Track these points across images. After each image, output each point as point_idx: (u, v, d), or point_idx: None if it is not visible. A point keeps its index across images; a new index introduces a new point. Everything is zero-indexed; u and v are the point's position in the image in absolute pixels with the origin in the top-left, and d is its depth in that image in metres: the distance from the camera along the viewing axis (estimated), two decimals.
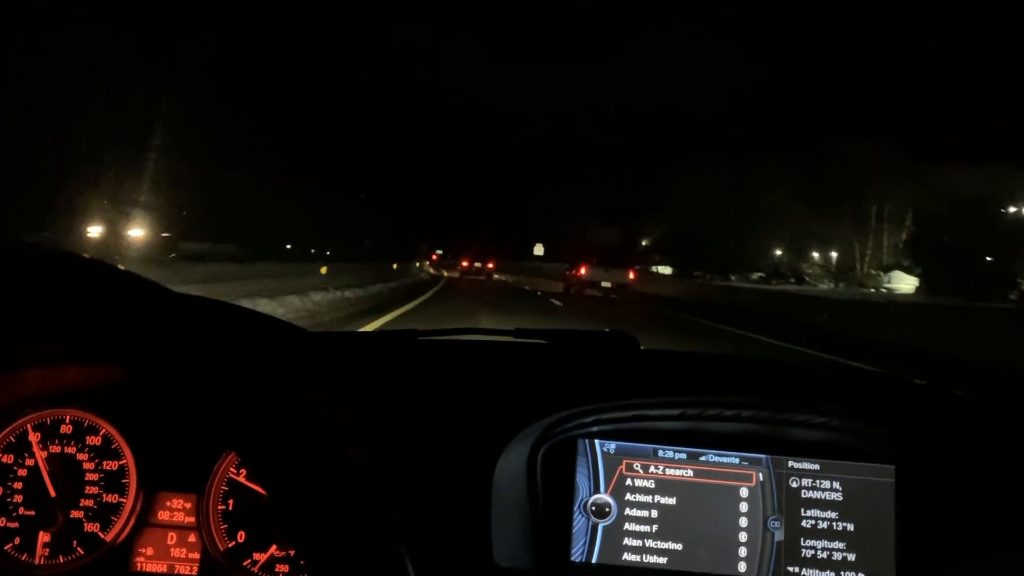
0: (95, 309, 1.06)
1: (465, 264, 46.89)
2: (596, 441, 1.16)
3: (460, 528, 0.98)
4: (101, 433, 1.14)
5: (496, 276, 44.36)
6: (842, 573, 1.12)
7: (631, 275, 27.82)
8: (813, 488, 1.14)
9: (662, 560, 1.12)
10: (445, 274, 44.80)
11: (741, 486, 1.15)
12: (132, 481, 1.13)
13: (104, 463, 1.14)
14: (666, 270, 58.90)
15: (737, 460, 1.16)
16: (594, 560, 1.13)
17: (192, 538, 1.12)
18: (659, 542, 1.13)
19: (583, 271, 27.52)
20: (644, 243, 69.43)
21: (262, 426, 0.61)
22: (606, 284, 26.66)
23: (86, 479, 1.13)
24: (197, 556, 1.12)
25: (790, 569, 1.12)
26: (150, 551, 1.12)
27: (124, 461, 1.14)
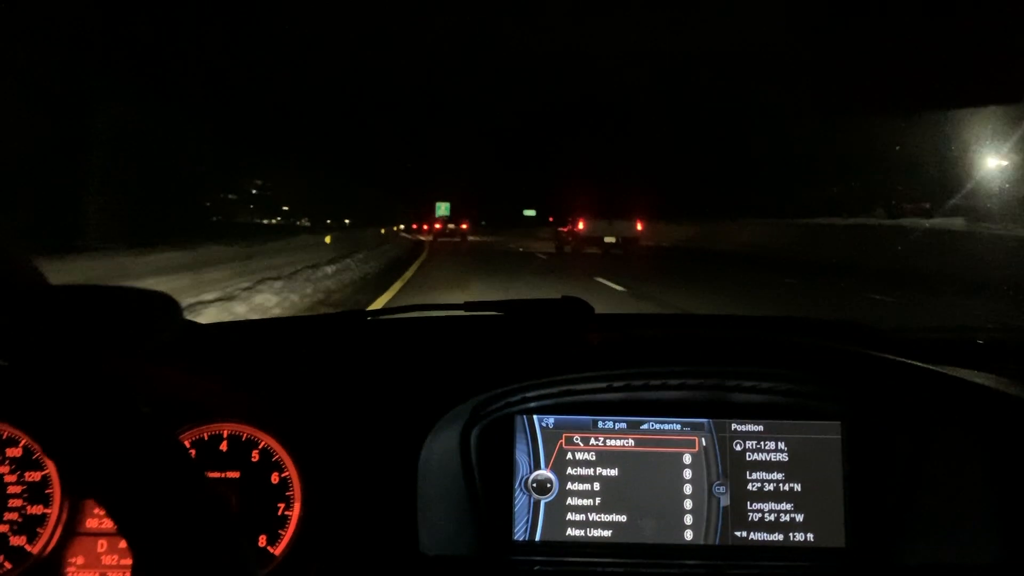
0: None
1: (438, 226, 46.60)
2: (534, 416, 1.13)
3: (380, 520, 0.95)
4: (21, 444, 1.10)
5: (471, 238, 44.53)
6: (790, 534, 1.09)
7: (639, 226, 23.13)
8: (758, 450, 1.11)
9: (607, 533, 1.10)
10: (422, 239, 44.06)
11: (684, 452, 1.11)
12: (56, 491, 1.10)
13: (26, 474, 1.10)
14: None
15: (679, 426, 1.12)
16: (537, 538, 1.10)
17: (123, 544, 1.09)
18: (603, 515, 1.10)
19: (581, 225, 23.00)
20: None
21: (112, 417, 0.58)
22: (609, 239, 22.43)
23: (8, 492, 1.10)
24: (129, 562, 1.08)
25: (737, 534, 1.09)
26: (80, 560, 1.09)
27: (47, 471, 1.10)
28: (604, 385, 1.08)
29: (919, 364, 1.14)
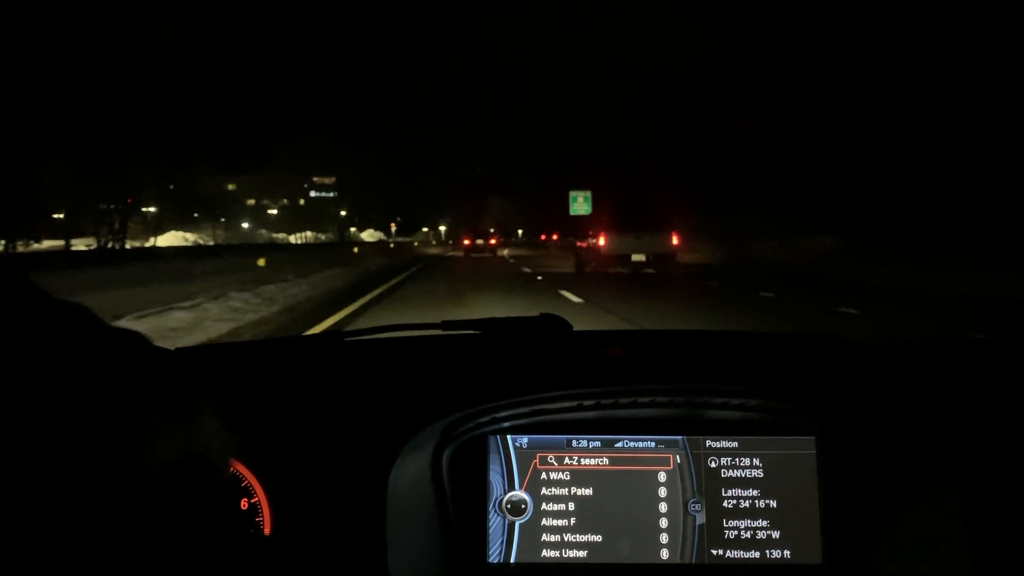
0: None
1: (467, 242, 45.90)
2: (508, 437, 1.12)
3: (348, 545, 0.93)
4: None
5: (500, 252, 44.42)
6: (767, 552, 1.08)
7: (675, 240, 19.53)
8: (733, 467, 1.11)
9: (582, 554, 1.09)
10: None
11: (659, 470, 1.11)
12: None
13: None
14: None
15: (653, 444, 1.11)
16: (512, 560, 1.09)
17: None
18: (578, 535, 1.09)
19: (602, 240, 19.44)
20: None
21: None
22: (638, 257, 19.10)
23: None
24: None
25: (714, 552, 1.08)
26: None
27: None
28: (575, 404, 1.08)
29: (890, 376, 1.14)
